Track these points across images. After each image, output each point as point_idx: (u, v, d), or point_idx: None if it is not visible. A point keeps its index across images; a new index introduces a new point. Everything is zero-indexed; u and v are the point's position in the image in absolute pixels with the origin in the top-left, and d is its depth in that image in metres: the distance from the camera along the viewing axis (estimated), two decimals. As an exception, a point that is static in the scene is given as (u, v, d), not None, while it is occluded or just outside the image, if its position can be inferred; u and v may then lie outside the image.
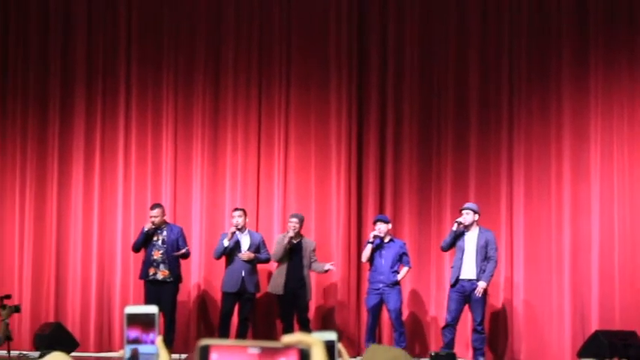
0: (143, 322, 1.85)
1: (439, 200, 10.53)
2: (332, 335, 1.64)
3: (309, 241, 10.03)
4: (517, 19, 10.59)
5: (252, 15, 10.94)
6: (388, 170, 10.68)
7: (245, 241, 9.93)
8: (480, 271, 9.46)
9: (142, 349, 1.85)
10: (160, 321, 1.88)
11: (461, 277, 9.50)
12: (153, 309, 1.86)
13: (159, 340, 1.88)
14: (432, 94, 10.71)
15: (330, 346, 1.62)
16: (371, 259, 9.79)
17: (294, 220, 9.89)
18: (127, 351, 1.85)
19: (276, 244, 9.94)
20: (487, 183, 10.51)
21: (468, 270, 9.50)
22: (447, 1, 10.74)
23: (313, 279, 10.08)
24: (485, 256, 9.50)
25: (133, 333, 1.85)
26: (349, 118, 10.72)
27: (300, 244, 9.88)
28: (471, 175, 10.53)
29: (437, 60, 10.71)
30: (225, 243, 9.82)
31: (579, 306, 10.08)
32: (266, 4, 10.96)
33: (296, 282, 9.77)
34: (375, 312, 9.80)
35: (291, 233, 9.79)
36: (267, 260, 10.07)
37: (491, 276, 9.54)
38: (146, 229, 9.83)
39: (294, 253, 9.84)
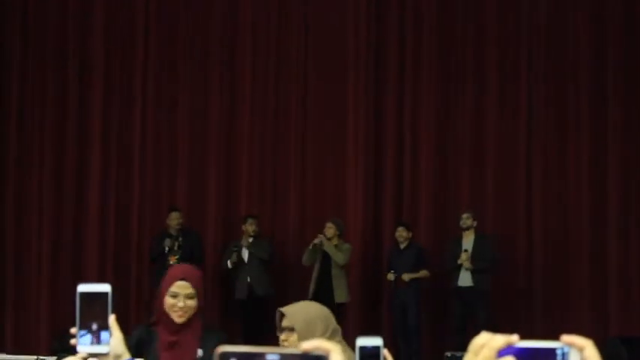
0: (97, 300, 1.85)
1: (456, 207, 10.50)
2: (377, 341, 1.63)
3: (344, 246, 9.85)
4: (536, 27, 10.57)
5: (269, 29, 10.96)
6: (406, 178, 10.65)
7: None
8: (477, 279, 9.51)
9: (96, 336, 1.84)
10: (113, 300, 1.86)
11: (459, 284, 9.58)
12: (106, 287, 1.85)
13: (112, 319, 1.88)
14: (450, 98, 10.67)
15: (375, 353, 1.62)
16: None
17: (328, 225, 9.79)
18: (82, 337, 1.84)
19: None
20: (505, 187, 10.49)
21: (465, 277, 9.58)
22: (466, 10, 10.70)
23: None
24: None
25: (87, 316, 1.84)
26: (366, 122, 10.68)
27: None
28: (487, 184, 10.50)
29: (454, 65, 10.68)
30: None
31: (598, 311, 10.03)
32: (284, 20, 10.96)
33: (324, 288, 9.67)
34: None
35: (316, 241, 9.68)
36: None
37: (482, 270, 9.50)
38: (167, 250, 9.81)
39: (325, 258, 9.72)
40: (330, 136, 10.76)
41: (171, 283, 3.51)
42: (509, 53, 10.59)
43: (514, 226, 10.33)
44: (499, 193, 10.45)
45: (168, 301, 3.50)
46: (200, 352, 3.53)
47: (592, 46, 10.39)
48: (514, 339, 1.21)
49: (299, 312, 3.32)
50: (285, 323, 3.30)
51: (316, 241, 9.70)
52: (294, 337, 3.26)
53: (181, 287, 3.49)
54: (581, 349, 1.20)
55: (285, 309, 3.33)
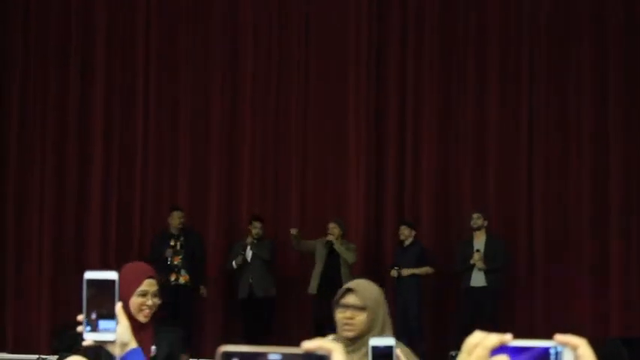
0: (103, 288, 1.84)
1: (457, 206, 10.50)
2: (390, 341, 1.63)
3: (350, 245, 9.94)
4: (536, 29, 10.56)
5: (271, 29, 10.95)
6: (407, 177, 10.65)
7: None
8: (490, 279, 9.52)
9: (102, 324, 1.84)
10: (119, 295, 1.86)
11: (471, 284, 9.58)
12: (113, 275, 1.84)
13: (118, 307, 1.86)
14: (451, 97, 10.66)
15: (388, 352, 1.61)
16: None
17: (332, 225, 9.86)
18: (86, 326, 1.84)
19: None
20: (506, 188, 10.48)
21: (477, 277, 9.56)
22: (467, 9, 10.69)
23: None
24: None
25: (94, 304, 1.83)
26: (368, 122, 10.68)
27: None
28: (489, 184, 10.49)
29: (455, 69, 10.68)
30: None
31: (598, 311, 10.03)
32: (285, 20, 10.94)
33: (330, 285, 9.66)
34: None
35: (329, 238, 9.77)
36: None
37: (496, 269, 9.55)
38: (169, 261, 9.80)
39: (331, 256, 9.79)
40: (332, 136, 10.77)
41: (140, 282, 3.37)
42: (511, 53, 10.59)
43: (515, 226, 10.32)
44: (500, 192, 10.44)
45: (137, 300, 3.35)
46: (154, 349, 3.44)
47: (593, 45, 10.38)
48: (507, 338, 1.22)
49: (369, 290, 3.15)
50: (352, 301, 3.12)
51: (329, 238, 9.76)
52: (362, 316, 3.09)
53: (150, 285, 3.38)
54: (574, 348, 1.21)
55: (354, 286, 3.13)
